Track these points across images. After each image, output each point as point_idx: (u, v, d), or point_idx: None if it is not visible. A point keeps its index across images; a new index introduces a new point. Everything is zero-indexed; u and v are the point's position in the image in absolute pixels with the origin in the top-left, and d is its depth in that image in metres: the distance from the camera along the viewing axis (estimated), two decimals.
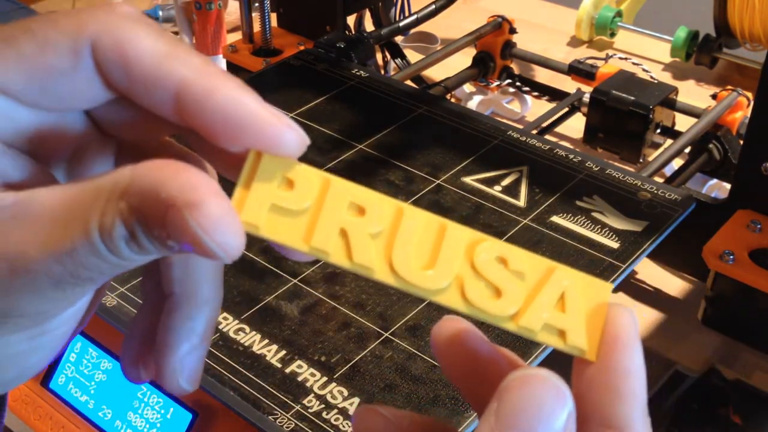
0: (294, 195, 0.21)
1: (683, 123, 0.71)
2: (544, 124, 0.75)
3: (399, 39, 0.89)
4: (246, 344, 0.46)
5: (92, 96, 0.22)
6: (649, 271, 0.66)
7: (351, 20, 0.84)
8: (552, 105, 0.79)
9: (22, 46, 0.21)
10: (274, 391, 0.43)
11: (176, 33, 1.01)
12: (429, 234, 0.21)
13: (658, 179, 0.61)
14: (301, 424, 0.42)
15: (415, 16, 0.81)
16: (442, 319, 0.23)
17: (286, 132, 0.21)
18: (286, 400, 0.43)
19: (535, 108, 0.85)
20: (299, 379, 0.44)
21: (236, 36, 0.88)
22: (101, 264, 0.20)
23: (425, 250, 0.21)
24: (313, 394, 0.43)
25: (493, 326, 0.22)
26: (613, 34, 0.99)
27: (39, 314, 0.21)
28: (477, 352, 0.23)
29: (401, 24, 0.80)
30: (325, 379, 0.44)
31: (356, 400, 0.43)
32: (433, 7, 0.82)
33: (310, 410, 0.42)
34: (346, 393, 0.43)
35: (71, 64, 0.21)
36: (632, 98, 0.68)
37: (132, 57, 0.20)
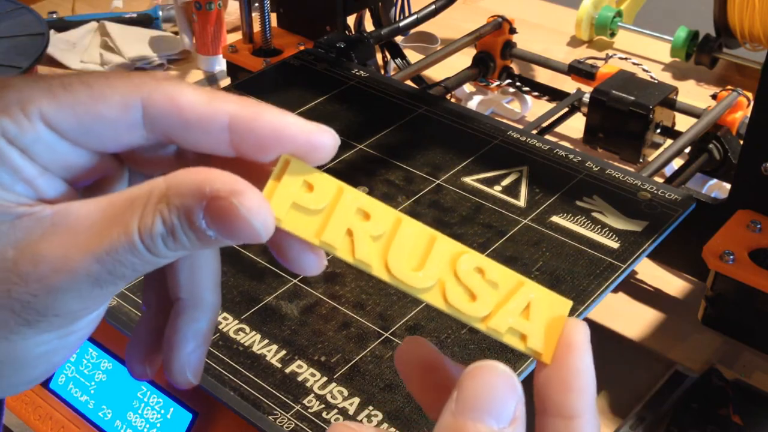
0: (312, 197, 0.25)
1: (683, 123, 0.71)
2: (544, 124, 0.75)
3: (399, 39, 0.89)
4: (246, 344, 0.46)
5: (128, 142, 0.26)
6: (649, 271, 0.66)
7: (351, 20, 0.84)
8: (552, 105, 0.79)
9: (79, 95, 0.24)
10: (274, 391, 0.43)
11: (176, 33, 1.01)
12: (421, 242, 0.25)
13: (658, 179, 0.61)
14: (301, 424, 0.42)
15: (415, 16, 0.81)
16: (404, 340, 0.27)
17: (325, 134, 0.25)
18: (286, 400, 0.43)
19: (535, 108, 0.85)
20: (299, 379, 0.44)
21: (236, 36, 0.88)
22: (136, 261, 0.23)
23: (416, 255, 0.25)
24: (313, 394, 0.43)
25: (483, 337, 0.24)
26: (613, 34, 0.99)
27: (73, 314, 0.24)
28: (436, 369, 0.26)
29: (401, 24, 0.80)
30: (325, 379, 0.44)
31: (356, 400, 0.43)
32: (433, 7, 0.82)
33: (310, 410, 0.42)
34: (346, 393, 0.43)
35: (119, 115, 0.25)
36: (632, 98, 0.68)
37: (184, 105, 0.25)
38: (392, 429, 0.41)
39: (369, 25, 0.88)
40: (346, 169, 0.59)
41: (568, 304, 0.25)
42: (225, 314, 0.48)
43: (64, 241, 0.23)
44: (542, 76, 0.88)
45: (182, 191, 0.23)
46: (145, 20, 1.04)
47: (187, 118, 0.25)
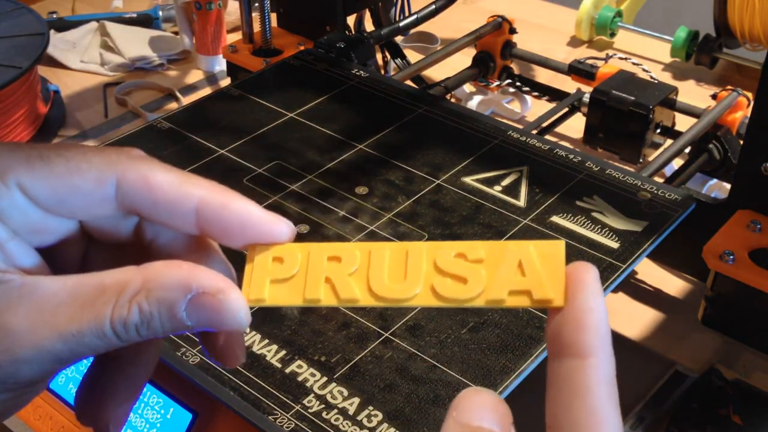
0: (284, 266, 0.26)
1: (683, 123, 0.71)
2: (544, 124, 0.75)
3: (399, 39, 0.89)
4: (246, 344, 0.46)
5: (98, 213, 0.27)
6: (649, 271, 0.66)
7: (351, 20, 0.84)
8: (552, 105, 0.79)
9: (56, 167, 0.26)
10: (274, 391, 0.43)
11: (176, 33, 1.01)
12: (396, 258, 0.26)
13: (658, 179, 0.61)
14: (301, 424, 0.42)
15: (415, 16, 0.81)
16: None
17: (282, 225, 0.27)
18: (286, 400, 0.43)
19: (535, 108, 0.85)
20: (299, 379, 0.44)
21: (236, 36, 0.88)
22: (101, 345, 0.25)
23: (396, 271, 0.26)
24: (313, 394, 0.43)
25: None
26: (613, 34, 0.99)
27: (32, 382, 0.25)
28: None
29: (401, 24, 0.80)
30: (325, 379, 0.44)
31: (356, 400, 0.43)
32: (433, 7, 0.82)
33: (310, 410, 0.42)
34: (346, 393, 0.43)
35: (93, 188, 0.26)
36: (632, 98, 0.68)
37: (156, 185, 0.26)
38: (392, 429, 0.41)
39: (369, 25, 0.88)
40: (346, 169, 0.59)
41: (561, 243, 0.24)
42: None
43: (31, 315, 0.24)
44: (542, 76, 0.88)
45: (165, 285, 0.25)
46: (145, 20, 1.04)
47: (157, 198, 0.26)
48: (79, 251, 0.29)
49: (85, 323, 0.24)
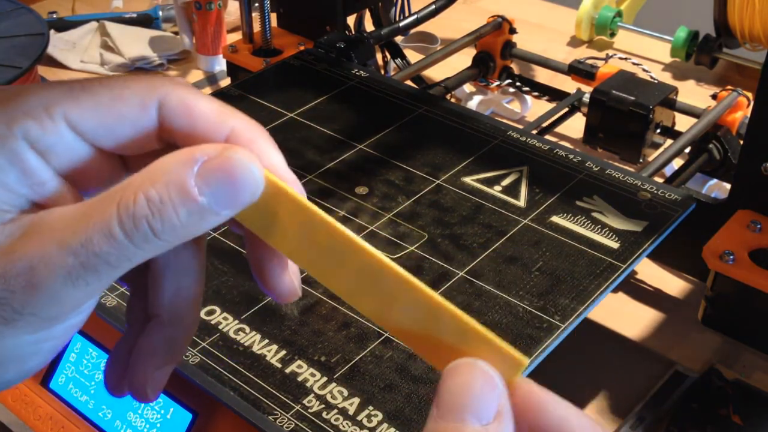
0: None
1: (683, 123, 0.71)
2: (544, 124, 0.75)
3: (399, 39, 0.89)
4: (246, 344, 0.46)
5: (142, 142, 0.26)
6: (649, 271, 0.66)
7: (351, 20, 0.84)
8: (552, 105, 0.79)
9: (100, 96, 0.25)
10: (274, 391, 0.43)
11: (176, 33, 1.01)
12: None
13: (658, 179, 0.61)
14: (301, 424, 0.42)
15: (415, 16, 0.81)
16: None
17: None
18: (286, 400, 0.43)
19: (535, 108, 0.85)
20: (299, 379, 0.44)
21: (236, 36, 0.88)
22: (111, 252, 0.23)
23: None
24: (313, 394, 0.43)
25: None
26: (613, 34, 0.99)
27: (48, 315, 0.24)
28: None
29: (401, 24, 0.80)
30: (325, 379, 0.44)
31: (356, 400, 0.43)
32: (433, 7, 0.82)
33: (310, 410, 0.42)
34: (346, 393, 0.43)
35: (138, 114, 0.26)
36: (632, 98, 0.68)
37: (195, 110, 0.26)
38: (392, 429, 0.41)
39: (369, 25, 0.88)
40: (346, 169, 0.59)
41: (522, 364, 0.24)
42: (225, 314, 0.48)
43: (42, 238, 0.24)
44: (542, 76, 0.88)
45: (168, 167, 0.24)
46: (145, 20, 1.04)
47: (195, 122, 0.26)
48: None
49: (91, 227, 0.23)
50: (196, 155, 0.24)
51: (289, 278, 0.28)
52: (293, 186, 0.26)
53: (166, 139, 0.26)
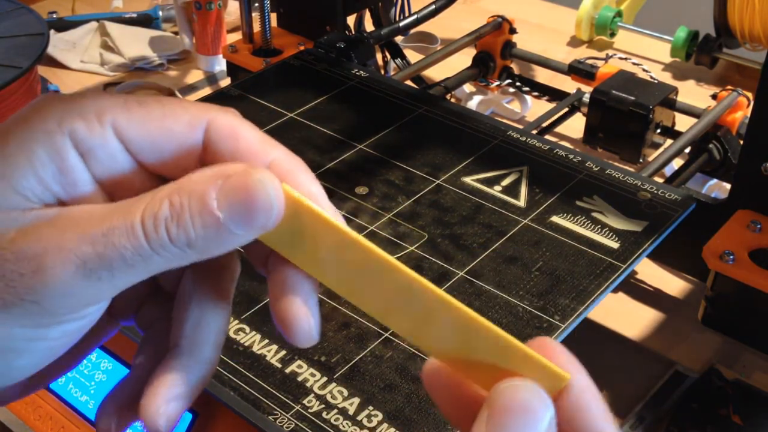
0: None
1: (683, 123, 0.71)
2: (544, 124, 0.75)
3: (399, 39, 0.89)
4: (246, 344, 0.46)
5: (186, 160, 0.26)
6: (649, 271, 0.66)
7: (351, 20, 0.84)
8: (552, 105, 0.79)
9: (152, 109, 0.26)
10: (274, 391, 0.43)
11: (176, 33, 1.01)
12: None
13: (658, 179, 0.61)
14: (301, 424, 0.42)
15: (415, 16, 0.81)
16: (427, 361, 0.26)
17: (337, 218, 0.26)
18: (286, 400, 0.43)
19: (535, 108, 0.85)
20: (299, 379, 0.44)
21: (236, 36, 0.88)
22: (129, 249, 0.23)
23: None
24: (313, 394, 0.43)
25: None
26: (613, 34, 0.99)
27: (50, 307, 0.24)
28: (465, 385, 0.25)
29: (401, 24, 0.80)
30: (325, 379, 0.44)
31: (356, 400, 0.43)
32: (433, 7, 0.82)
33: (310, 410, 0.42)
34: (346, 393, 0.43)
35: (185, 132, 0.26)
36: (632, 98, 0.68)
37: (241, 136, 0.26)
38: (392, 429, 0.41)
39: (369, 25, 0.88)
40: (346, 169, 0.59)
41: (565, 380, 0.24)
42: None
43: (63, 225, 0.24)
44: (542, 76, 0.88)
45: (197, 179, 0.24)
46: (145, 20, 1.04)
47: (240, 147, 0.26)
48: None
49: (115, 220, 0.23)
50: (222, 173, 0.24)
51: (308, 323, 0.27)
52: (330, 212, 0.26)
53: (209, 162, 0.26)
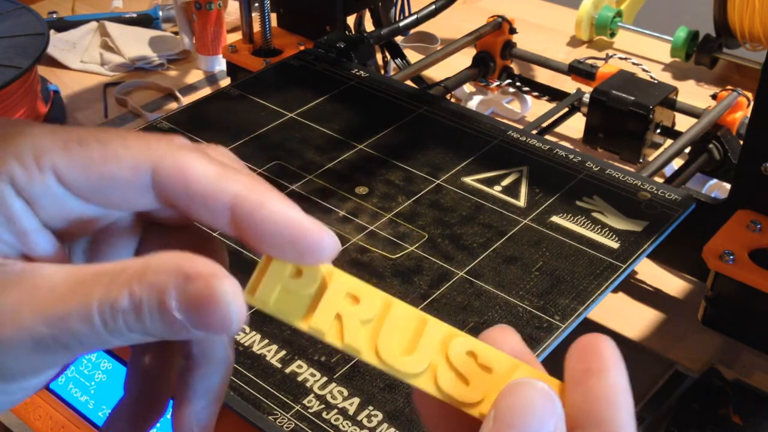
0: (301, 282, 0.24)
1: (683, 123, 0.71)
2: (544, 124, 0.75)
3: (399, 39, 0.89)
4: (246, 344, 0.46)
5: (139, 204, 0.25)
6: (649, 271, 0.66)
7: (351, 20, 0.84)
8: (552, 105, 0.79)
9: (93, 152, 0.24)
10: (274, 391, 0.43)
11: (176, 33, 1.01)
12: (412, 325, 0.24)
13: (658, 179, 0.61)
14: (301, 424, 0.42)
15: (415, 16, 0.81)
16: None
17: (325, 238, 0.24)
18: (286, 400, 0.43)
19: (535, 108, 0.85)
20: (299, 379, 0.44)
21: (236, 36, 0.88)
22: (86, 334, 0.22)
23: (407, 338, 0.24)
24: (313, 394, 0.43)
25: None
26: (613, 34, 0.99)
27: (5, 373, 0.23)
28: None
29: (401, 24, 0.80)
30: (325, 379, 0.44)
31: (356, 400, 0.43)
32: (433, 7, 0.82)
33: (310, 410, 0.42)
34: (346, 393, 0.43)
35: (130, 177, 0.24)
36: (632, 98, 0.68)
37: (191, 177, 0.24)
38: (392, 429, 0.41)
39: (369, 25, 0.88)
40: (346, 169, 0.59)
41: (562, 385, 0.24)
42: None
43: (20, 296, 0.23)
44: (542, 76, 0.88)
45: (160, 269, 0.22)
46: (145, 20, 1.04)
47: (192, 191, 0.24)
48: (132, 237, 0.27)
49: (72, 305, 0.22)
50: (185, 269, 0.22)
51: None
52: (315, 239, 0.24)
53: (165, 200, 0.25)
